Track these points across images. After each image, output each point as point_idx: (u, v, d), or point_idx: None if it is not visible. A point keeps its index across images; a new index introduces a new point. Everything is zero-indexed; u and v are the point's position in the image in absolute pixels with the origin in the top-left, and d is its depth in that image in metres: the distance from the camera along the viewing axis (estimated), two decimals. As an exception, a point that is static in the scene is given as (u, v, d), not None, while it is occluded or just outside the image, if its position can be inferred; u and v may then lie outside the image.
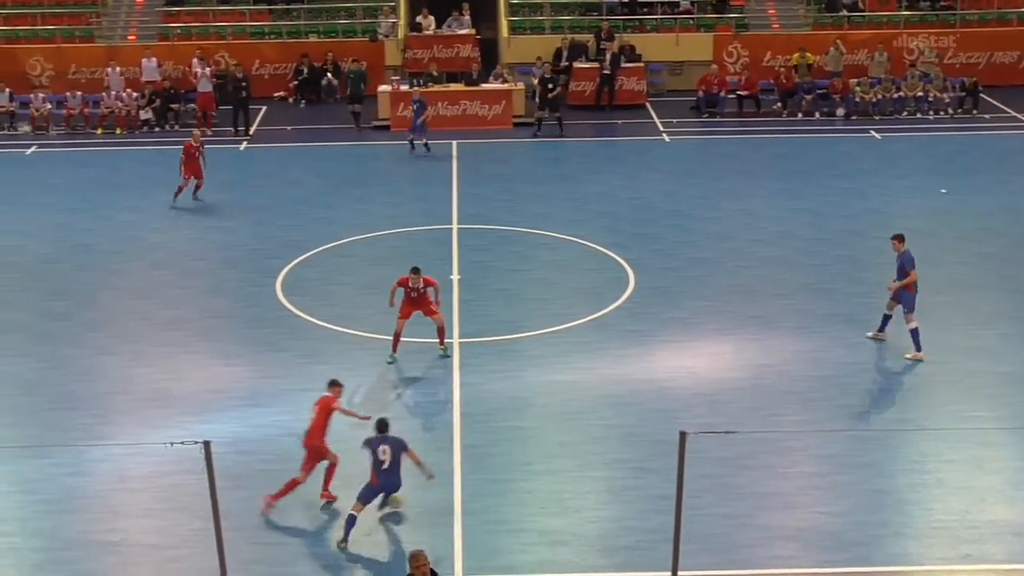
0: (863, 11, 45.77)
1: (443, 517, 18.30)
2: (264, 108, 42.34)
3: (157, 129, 40.42)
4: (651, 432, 20.54)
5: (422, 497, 18.76)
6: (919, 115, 41.50)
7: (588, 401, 21.89)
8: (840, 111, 41.58)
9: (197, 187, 32.91)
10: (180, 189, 32.57)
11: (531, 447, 20.37)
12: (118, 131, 40.32)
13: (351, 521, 17.80)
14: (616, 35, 43.12)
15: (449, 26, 44.17)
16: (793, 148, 38.04)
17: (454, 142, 38.19)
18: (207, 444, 14.53)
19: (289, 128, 40.55)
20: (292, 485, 18.73)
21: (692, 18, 45.36)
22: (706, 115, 41.61)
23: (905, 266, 23.48)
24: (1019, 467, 19.76)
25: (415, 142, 37.34)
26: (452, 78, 42.39)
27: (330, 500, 18.94)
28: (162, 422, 21.00)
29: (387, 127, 39.97)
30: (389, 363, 23.23)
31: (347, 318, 25.25)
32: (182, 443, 15.07)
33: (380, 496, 18.36)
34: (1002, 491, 19.07)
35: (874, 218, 31.26)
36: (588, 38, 43.31)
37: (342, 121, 40.42)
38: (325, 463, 18.98)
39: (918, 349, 23.40)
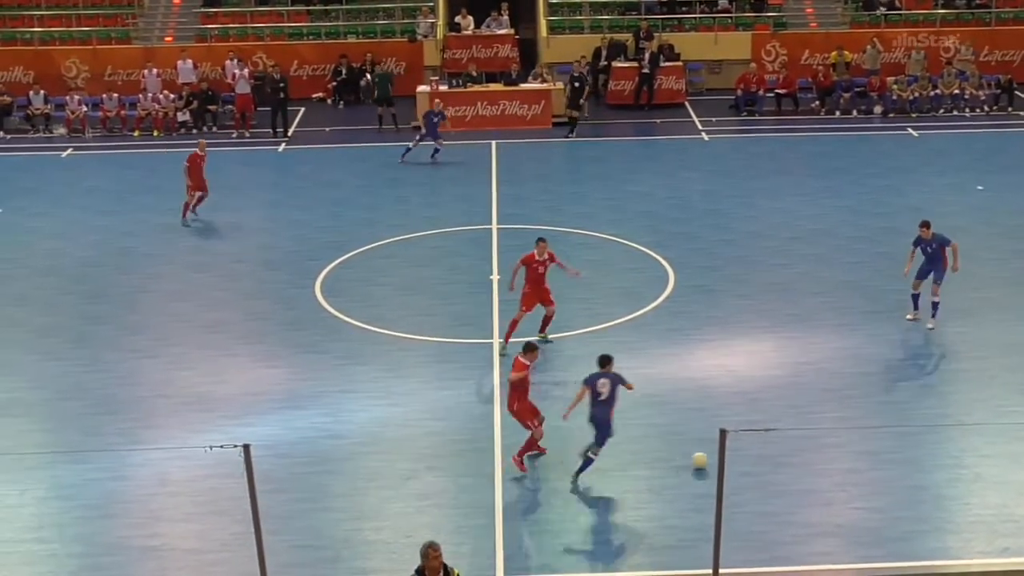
0: (900, 9, 45.64)
1: (485, 518, 18.38)
2: (302, 109, 42.56)
3: (195, 131, 40.58)
4: (691, 430, 20.57)
5: (463, 498, 18.91)
6: (955, 112, 41.47)
7: (628, 400, 21.80)
8: (878, 109, 41.55)
9: (200, 199, 31.69)
10: (187, 205, 31.51)
11: (572, 447, 20.38)
12: (155, 133, 40.60)
13: (589, 463, 19.10)
14: (655, 34, 43.18)
15: (488, 26, 44.34)
16: (831, 146, 37.98)
17: (493, 142, 38.30)
18: (246, 448, 14.58)
19: (327, 129, 40.76)
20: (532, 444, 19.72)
21: (730, 17, 45.32)
22: (745, 114, 41.60)
23: (944, 245, 24.29)
24: (1058, 462, 19.79)
25: (437, 147, 36.53)
26: (491, 78, 42.58)
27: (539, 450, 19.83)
28: (202, 425, 21.14)
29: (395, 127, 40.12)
30: (502, 355, 23.28)
31: (387, 319, 25.38)
32: (221, 447, 15.13)
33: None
34: (1040, 485, 19.12)
35: (912, 215, 30.91)
36: (627, 37, 43.40)
37: (384, 121, 40.54)
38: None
39: (916, 308, 24.68)
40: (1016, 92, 41.93)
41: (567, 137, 39.17)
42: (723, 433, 14.65)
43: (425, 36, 44.40)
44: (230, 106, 41.31)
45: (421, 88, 40.72)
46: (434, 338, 24.42)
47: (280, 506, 18.40)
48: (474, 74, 41.68)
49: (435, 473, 19.66)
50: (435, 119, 36.59)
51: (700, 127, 40.13)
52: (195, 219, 31.69)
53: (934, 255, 24.43)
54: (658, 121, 41.04)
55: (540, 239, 24.02)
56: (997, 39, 44.42)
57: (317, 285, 27.26)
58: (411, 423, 21.21)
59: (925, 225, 24.49)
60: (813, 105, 42.01)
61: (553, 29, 44.83)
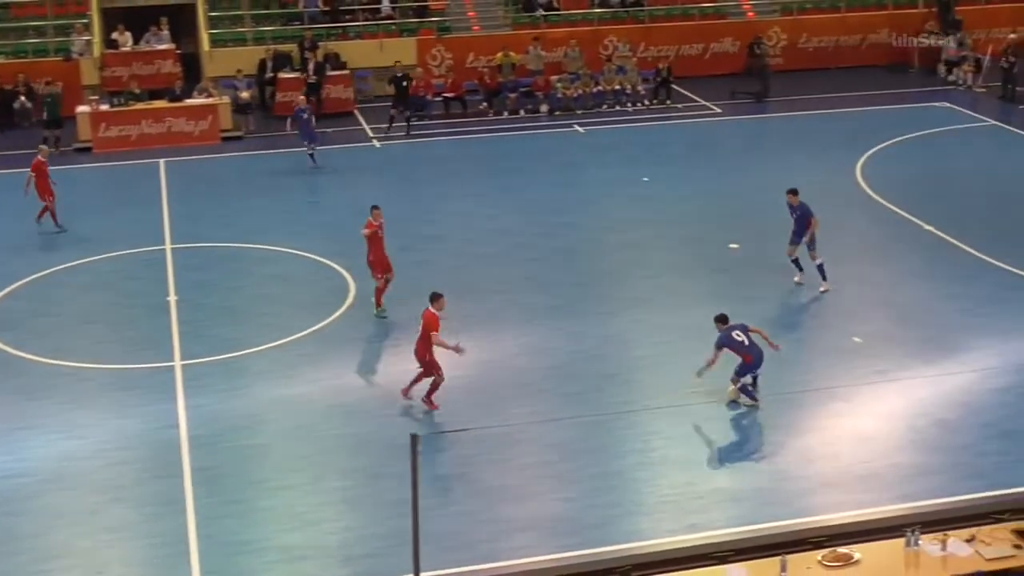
0: (558, 10, 46.83)
1: (178, 545, 17.90)
2: (-51, 137, 40.33)
3: None
4: (383, 437, 20.55)
5: (155, 528, 18.39)
6: (618, 108, 42.81)
7: (318, 412, 21.77)
8: (544, 108, 42.49)
9: (44, 210, 31.44)
10: (46, 210, 31.27)
11: (265, 464, 20.15)
12: None
13: (745, 389, 21.10)
14: (319, 43, 43.05)
15: (147, 42, 43.22)
16: (502, 147, 38.65)
17: (161, 160, 37.37)
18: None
19: (-20, 157, 38.72)
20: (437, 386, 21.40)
21: (394, 23, 45.55)
22: (414, 119, 41.85)
23: (807, 216, 26.05)
24: (734, 436, 20.78)
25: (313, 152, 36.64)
26: (155, 95, 41.43)
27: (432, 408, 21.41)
28: None
29: (89, 149, 38.83)
30: (383, 318, 25.35)
31: (63, 350, 24.42)
32: None
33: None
34: (720, 461, 20.06)
35: (585, 209, 32.09)
36: (292, 48, 43.11)
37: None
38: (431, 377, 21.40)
39: (824, 279, 26.20)
40: (673, 86, 43.64)
41: (386, 133, 39.83)
42: (414, 437, 14.66)
43: (81, 54, 42.87)
44: None
45: (81, 108, 39.40)
46: (114, 365, 23.69)
47: (-43, 555, 17.49)
48: (136, 91, 40.56)
49: (124, 504, 19.04)
50: (304, 116, 36.47)
51: (371, 134, 40.18)
52: (39, 229, 31.02)
53: (800, 221, 26.13)
54: (329, 130, 40.82)
55: (375, 206, 25.53)
56: (652, 36, 46.20)
57: (-16, 319, 26.07)
58: (96, 455, 20.48)
59: (792, 192, 26.36)
60: (481, 107, 42.67)
61: (215, 42, 44.08)
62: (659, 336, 24.25)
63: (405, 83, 40.58)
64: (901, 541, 15.00)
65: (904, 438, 20.32)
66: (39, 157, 31.74)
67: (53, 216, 31.38)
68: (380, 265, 25.50)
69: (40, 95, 39.89)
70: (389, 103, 40.68)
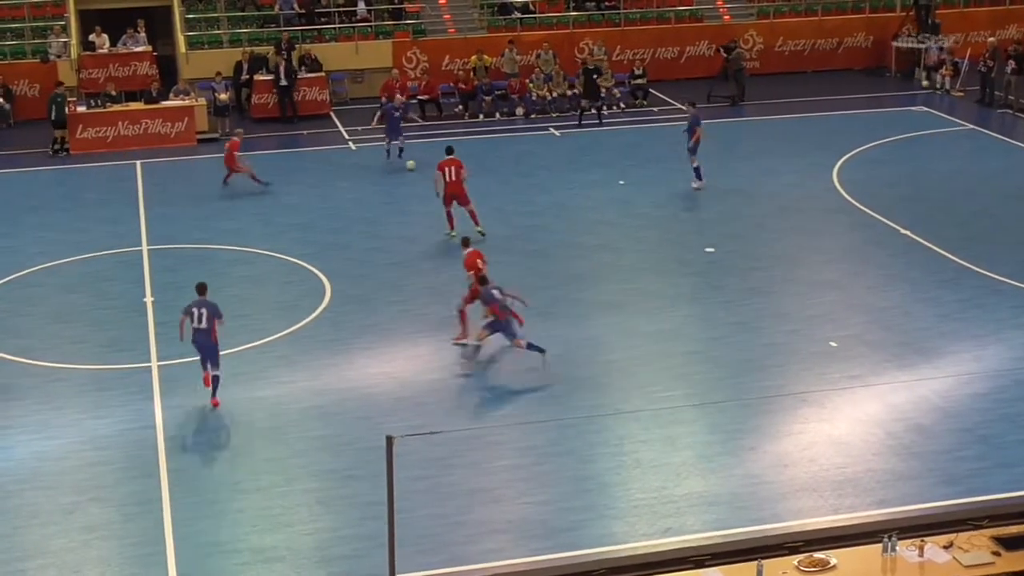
0: (534, 13, 46.88)
1: (154, 545, 17.88)
2: (-73, 139, 40.18)
3: None
4: (358, 440, 20.57)
5: (131, 528, 18.36)
6: (594, 111, 42.76)
7: (293, 414, 21.75)
8: (519, 110, 42.53)
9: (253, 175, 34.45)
10: (253, 177, 34.43)
11: (239, 465, 20.13)
12: None
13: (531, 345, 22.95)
14: (296, 45, 42.99)
15: (124, 44, 43.17)
16: (477, 149, 38.55)
17: (138, 162, 37.32)
18: None
19: (-44, 158, 38.62)
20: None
21: (370, 26, 45.56)
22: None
23: (694, 125, 32.95)
24: (708, 441, 20.67)
25: (400, 148, 37.12)
26: (131, 97, 41.42)
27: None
28: None
29: (67, 150, 38.70)
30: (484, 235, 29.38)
31: (38, 350, 24.37)
32: None
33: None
34: (694, 465, 19.88)
35: (558, 212, 32.12)
36: (268, 50, 43.05)
37: (19, 147, 38.95)
38: None
39: (699, 179, 33.27)
40: (649, 89, 43.77)
41: (580, 126, 40.87)
42: (390, 439, 14.67)
43: (58, 56, 42.79)
44: None
45: (58, 110, 39.30)
46: (90, 366, 23.64)
47: (-67, 555, 17.43)
48: (113, 93, 40.46)
49: (100, 504, 19.00)
50: (396, 114, 36.57)
51: (347, 136, 40.17)
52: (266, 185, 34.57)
53: (689, 130, 33.00)
54: (305, 133, 40.89)
55: (449, 148, 30.43)
56: (628, 39, 46.31)
57: (-42, 320, 25.96)
58: (71, 455, 20.45)
59: (691, 103, 34.10)
60: (456, 109, 42.69)
61: (192, 44, 44.03)
62: (633, 340, 24.28)
63: (596, 76, 41.37)
64: (878, 547, 15.03)
65: (880, 443, 20.34)
66: (234, 139, 34.97)
67: (254, 179, 34.51)
68: (447, 199, 29.74)
69: (53, 97, 39.51)
70: (578, 96, 41.99)
